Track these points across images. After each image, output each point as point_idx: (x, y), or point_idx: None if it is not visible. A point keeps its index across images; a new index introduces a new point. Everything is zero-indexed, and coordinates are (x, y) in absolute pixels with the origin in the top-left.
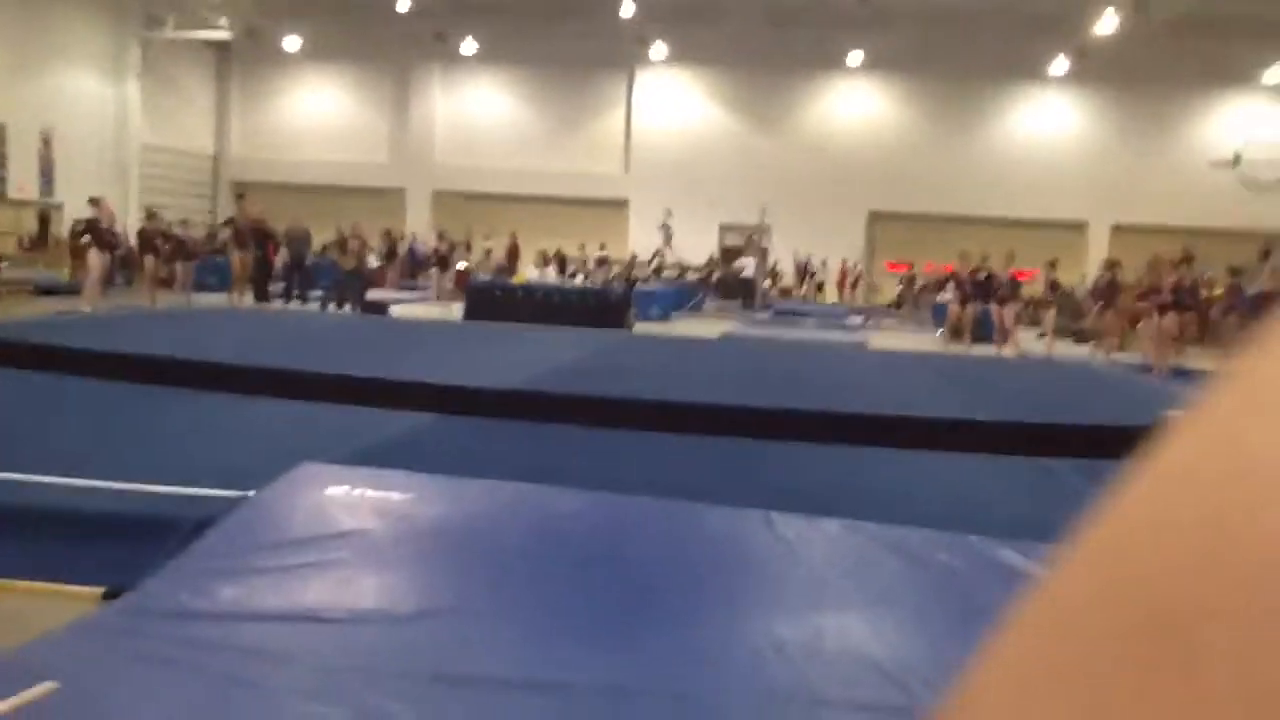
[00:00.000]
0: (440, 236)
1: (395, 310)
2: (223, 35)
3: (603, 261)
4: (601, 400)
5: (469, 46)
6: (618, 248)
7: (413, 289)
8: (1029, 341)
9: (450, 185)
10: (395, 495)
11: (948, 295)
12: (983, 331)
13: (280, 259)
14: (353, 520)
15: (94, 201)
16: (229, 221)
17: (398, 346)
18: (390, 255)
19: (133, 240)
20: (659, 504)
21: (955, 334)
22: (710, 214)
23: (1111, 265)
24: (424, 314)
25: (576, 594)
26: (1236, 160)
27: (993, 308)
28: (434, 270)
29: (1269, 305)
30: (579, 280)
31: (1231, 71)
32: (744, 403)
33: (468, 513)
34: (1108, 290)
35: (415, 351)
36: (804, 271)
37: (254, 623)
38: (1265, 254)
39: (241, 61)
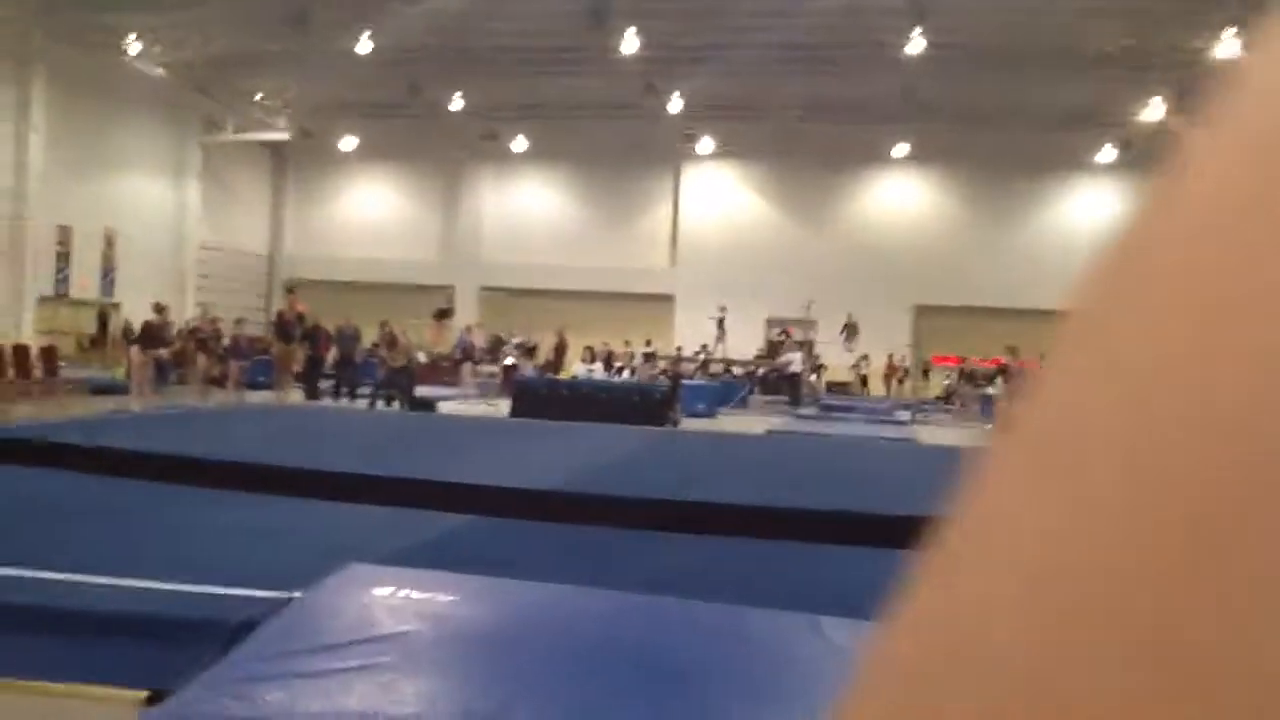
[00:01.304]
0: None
1: (443, 407)
2: (279, 136)
3: (649, 357)
4: (643, 501)
5: (519, 144)
6: (663, 342)
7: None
8: None
9: (498, 281)
10: (440, 597)
11: (996, 389)
12: None
13: (331, 356)
14: (397, 623)
15: (159, 309)
16: (278, 316)
17: (444, 445)
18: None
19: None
20: (703, 607)
21: None
22: (756, 308)
23: None
24: (471, 411)
25: (618, 699)
26: None
27: None
28: (465, 366)
29: None
30: (625, 375)
31: None
32: (789, 504)
33: (510, 615)
34: None
35: (460, 450)
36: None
37: None
38: None
39: (296, 162)
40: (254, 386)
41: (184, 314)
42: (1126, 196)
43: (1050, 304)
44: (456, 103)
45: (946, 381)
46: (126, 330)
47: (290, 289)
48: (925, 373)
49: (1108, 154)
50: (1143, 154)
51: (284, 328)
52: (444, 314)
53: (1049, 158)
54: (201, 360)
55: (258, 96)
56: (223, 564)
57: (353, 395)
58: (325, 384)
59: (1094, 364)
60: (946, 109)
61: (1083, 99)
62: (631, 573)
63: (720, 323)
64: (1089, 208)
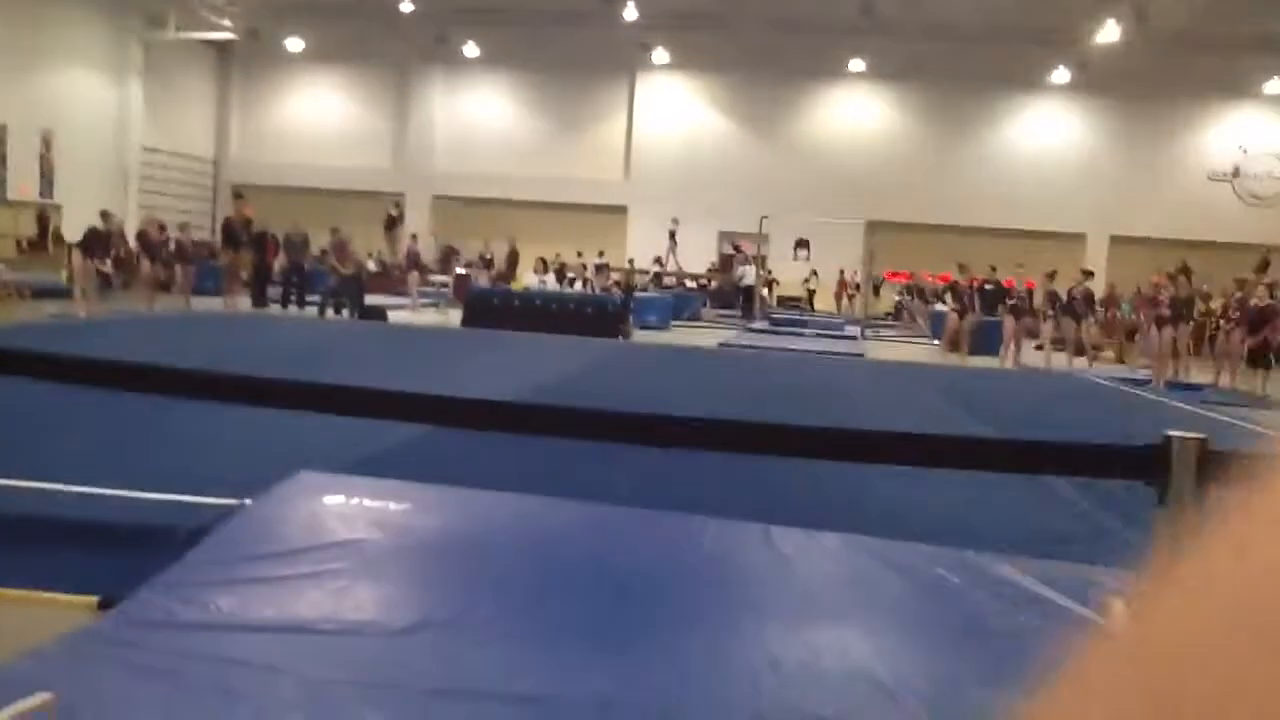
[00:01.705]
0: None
1: (394, 316)
2: (225, 36)
3: (601, 269)
4: (596, 414)
5: (471, 50)
6: (617, 255)
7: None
8: (1028, 354)
9: (450, 190)
10: (392, 505)
11: (945, 306)
12: (983, 343)
13: (279, 263)
14: (349, 530)
15: (105, 216)
16: (225, 223)
17: (395, 354)
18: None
19: (131, 244)
20: (655, 515)
21: (953, 345)
22: (710, 221)
23: (1086, 275)
24: (423, 320)
25: (570, 606)
26: (1235, 173)
27: (1005, 320)
28: (412, 275)
29: (1270, 319)
30: (578, 287)
31: (1231, 84)
32: (740, 417)
33: (463, 524)
34: (1085, 301)
35: (412, 359)
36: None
37: (247, 634)
38: (1263, 267)
39: (243, 63)
40: (200, 293)
41: (126, 217)
42: (1078, 118)
43: (1000, 222)
44: (406, 4)
45: (897, 298)
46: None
47: (238, 194)
48: (876, 289)
49: (1061, 75)
50: (1096, 76)
51: (232, 234)
52: (393, 222)
53: (1004, 77)
54: (146, 266)
55: None
56: (173, 471)
57: (301, 303)
58: (274, 291)
59: None
60: (903, 25)
61: (1040, 18)
62: (585, 484)
63: (672, 235)
64: (1042, 128)
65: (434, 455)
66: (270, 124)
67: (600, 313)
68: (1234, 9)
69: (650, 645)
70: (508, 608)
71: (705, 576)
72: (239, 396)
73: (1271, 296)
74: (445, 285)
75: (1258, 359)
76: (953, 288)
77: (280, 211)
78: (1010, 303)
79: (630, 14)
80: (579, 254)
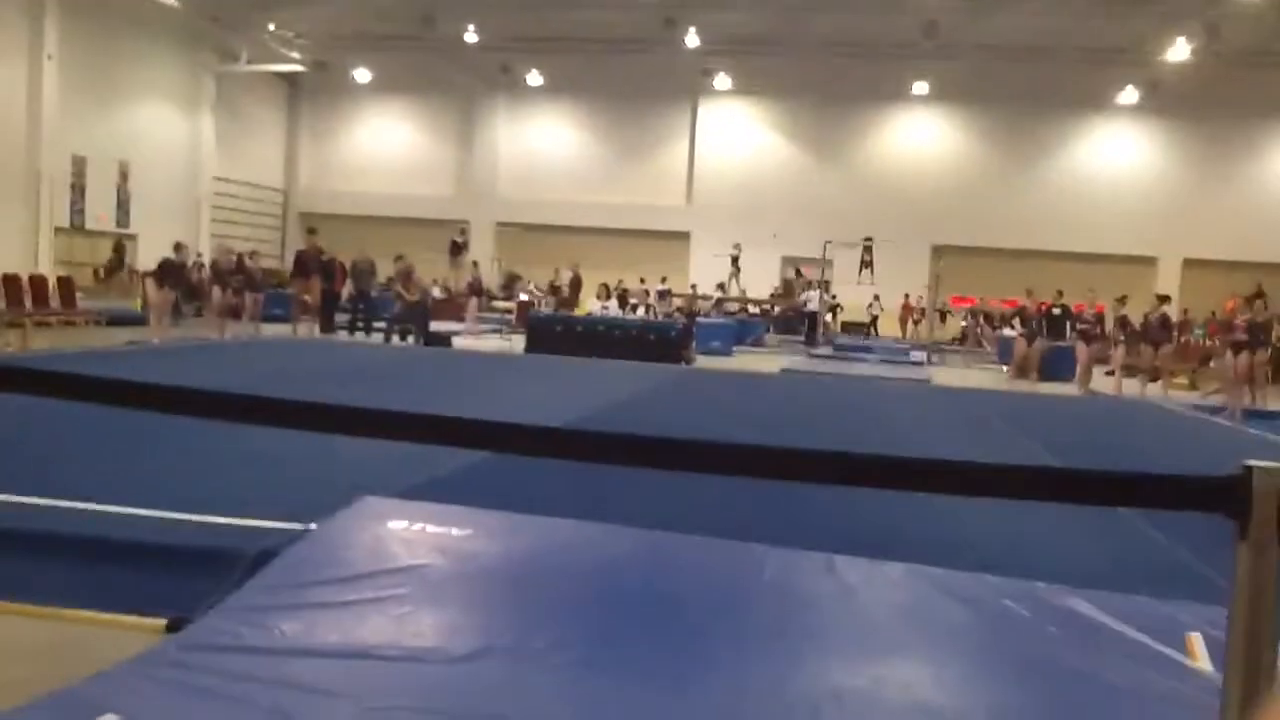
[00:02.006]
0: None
1: (458, 342)
2: (293, 68)
3: (664, 294)
4: (654, 441)
5: (534, 79)
6: (679, 280)
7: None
8: (1098, 380)
9: (513, 217)
10: (454, 531)
11: (1013, 331)
12: (1052, 368)
13: (346, 290)
14: (411, 555)
15: (178, 248)
16: (298, 255)
17: (459, 380)
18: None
19: (203, 272)
20: (716, 543)
21: (1021, 371)
22: (773, 246)
23: (1162, 300)
24: (486, 346)
25: (631, 634)
26: None
27: (1078, 345)
28: (471, 302)
29: None
30: (640, 313)
31: None
32: (803, 443)
33: (524, 550)
34: (1161, 327)
35: (476, 385)
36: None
37: (310, 659)
38: None
39: (311, 94)
40: (270, 320)
41: (198, 245)
42: (1148, 138)
43: (1068, 246)
44: (471, 35)
45: (963, 323)
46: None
47: (311, 230)
48: (942, 314)
49: (1130, 95)
50: (1166, 96)
51: (304, 264)
52: (458, 249)
53: (1071, 97)
54: (217, 294)
55: (271, 26)
56: (241, 496)
57: (368, 329)
58: (343, 318)
59: None
60: (966, 45)
61: (1107, 37)
62: (647, 510)
63: (734, 260)
64: (1110, 149)
65: (495, 481)
66: (338, 154)
67: (662, 338)
68: None
69: (712, 674)
70: (568, 636)
71: (767, 605)
72: (303, 422)
73: None
74: (509, 312)
75: None
76: (1020, 312)
77: (347, 239)
78: (1080, 328)
79: (692, 40)
80: (641, 280)
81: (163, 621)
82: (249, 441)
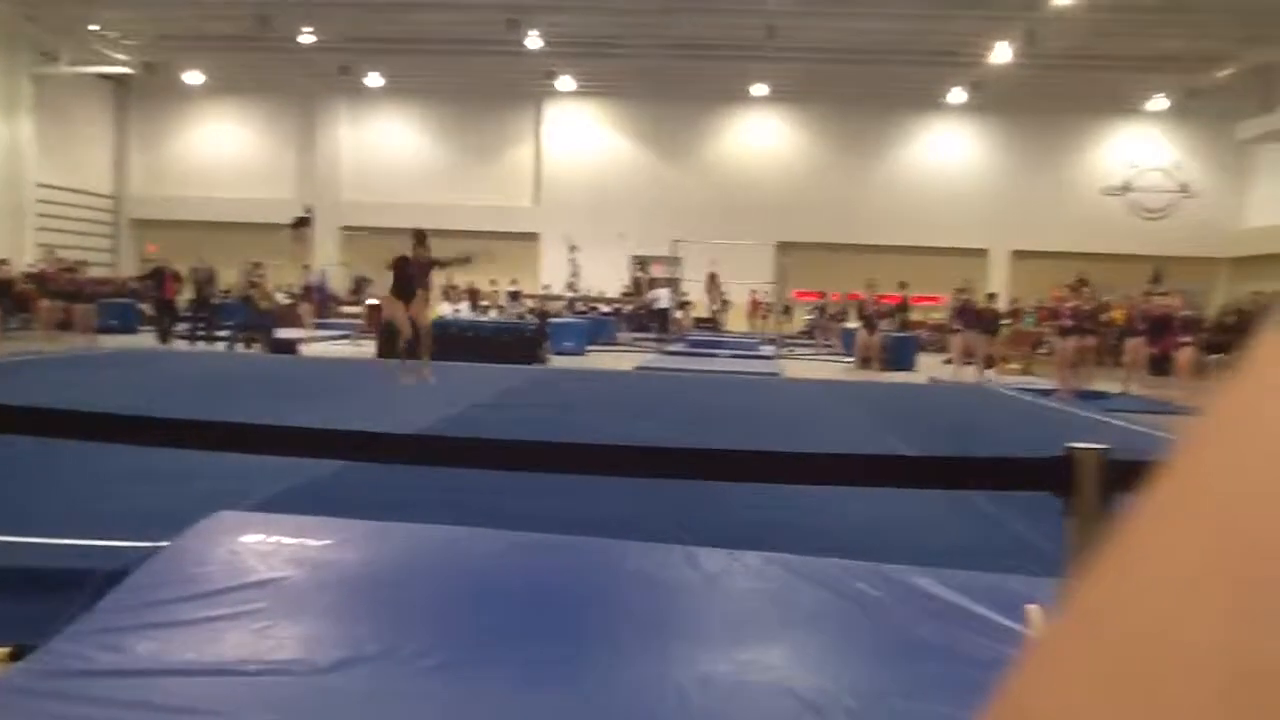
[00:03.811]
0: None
1: (306, 350)
2: (120, 69)
3: (515, 295)
4: (516, 444)
5: (374, 80)
6: (530, 281)
7: (324, 327)
8: (936, 367)
9: (358, 221)
10: (313, 541)
11: (854, 323)
12: (895, 358)
13: (186, 298)
14: (269, 568)
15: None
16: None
17: (310, 389)
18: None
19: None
20: (580, 541)
21: (865, 361)
22: (622, 245)
23: (963, 290)
24: (337, 353)
25: (500, 635)
26: (1126, 187)
27: (859, 333)
28: (304, 307)
29: (1165, 327)
30: (492, 315)
31: (1119, 102)
32: (661, 438)
33: (386, 557)
34: (963, 314)
35: (328, 393)
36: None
37: (168, 678)
38: (1157, 278)
39: (141, 97)
40: (106, 330)
41: (23, 255)
42: (977, 136)
43: (907, 240)
44: (308, 36)
45: (808, 316)
46: None
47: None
48: (786, 309)
49: (958, 95)
50: (992, 96)
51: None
52: (302, 223)
53: (905, 97)
54: (45, 304)
55: (94, 27)
56: (86, 515)
57: (210, 338)
58: (183, 326)
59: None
60: (805, 49)
61: (936, 40)
62: (511, 512)
63: (573, 260)
64: (943, 147)
65: (355, 489)
66: (172, 159)
67: (516, 339)
68: (1117, 31)
69: (580, 670)
70: (436, 640)
71: (632, 599)
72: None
73: (1167, 307)
74: (357, 317)
75: (1158, 367)
76: (861, 305)
77: (186, 246)
78: (864, 315)
79: (534, 42)
80: (492, 282)
81: (5, 650)
82: (93, 459)
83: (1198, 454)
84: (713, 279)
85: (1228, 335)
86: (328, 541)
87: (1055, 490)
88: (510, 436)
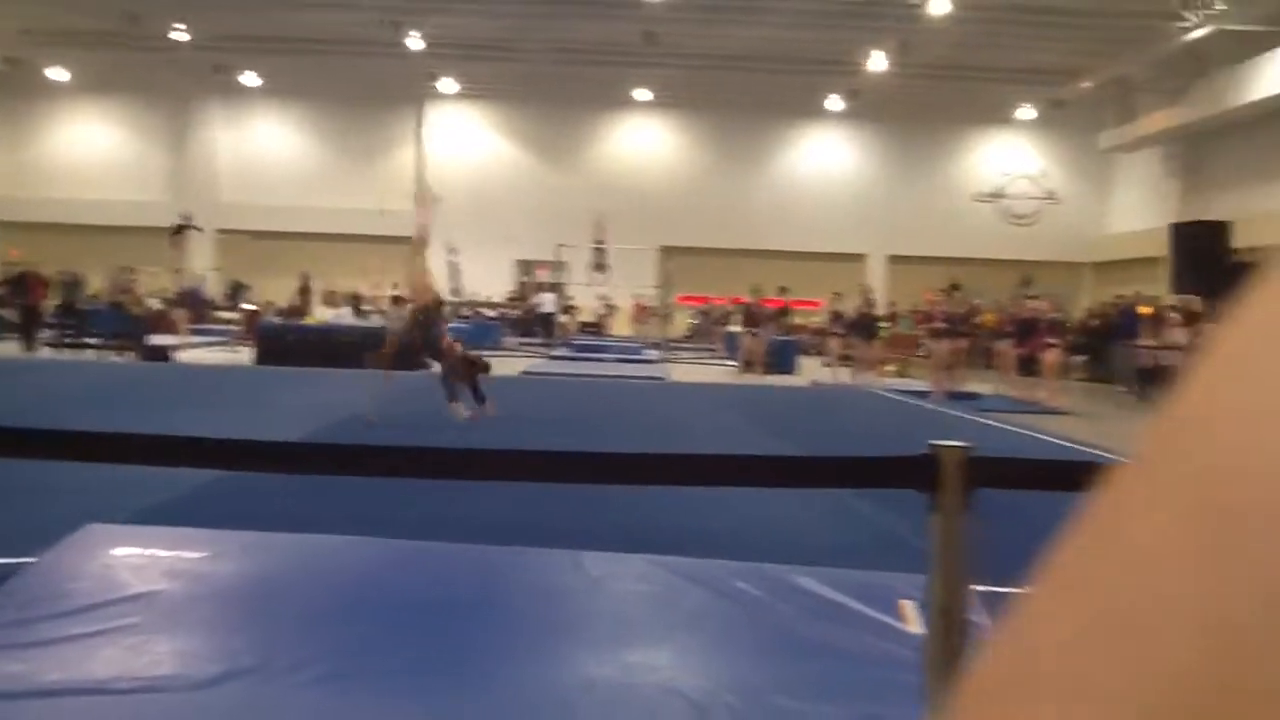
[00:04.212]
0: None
1: (181, 356)
2: None
3: (399, 300)
4: (397, 450)
5: (252, 80)
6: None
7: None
8: (817, 370)
9: (236, 224)
10: (189, 554)
11: (738, 328)
12: (779, 361)
13: (51, 304)
14: (142, 582)
15: None
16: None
17: (186, 397)
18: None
19: None
20: (464, 548)
21: (749, 365)
22: (506, 249)
23: (836, 296)
24: (213, 359)
25: (384, 644)
26: (997, 194)
27: (744, 338)
28: (179, 314)
29: (1033, 330)
30: (375, 320)
31: (989, 111)
32: (546, 443)
33: (268, 568)
34: (870, 320)
35: (205, 402)
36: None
37: (38, 699)
38: (1026, 282)
39: (2, 94)
40: None
41: None
42: (855, 144)
43: (788, 245)
44: (181, 33)
45: (692, 321)
46: None
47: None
48: (666, 314)
49: (836, 103)
50: (868, 104)
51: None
52: (181, 229)
53: (785, 104)
54: None
55: None
56: None
57: (78, 345)
58: (49, 334)
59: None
60: (687, 55)
61: (815, 49)
62: (395, 520)
63: (453, 264)
64: (822, 154)
65: (233, 500)
66: (37, 158)
67: (401, 345)
68: (986, 44)
69: (465, 677)
70: (317, 651)
71: (518, 605)
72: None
73: (1035, 310)
74: (234, 322)
75: (1026, 368)
76: (746, 309)
77: (55, 250)
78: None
79: (416, 44)
80: (374, 286)
81: None
82: None
83: (1197, 390)
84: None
85: (1092, 338)
86: (204, 554)
87: (920, 487)
88: (394, 443)
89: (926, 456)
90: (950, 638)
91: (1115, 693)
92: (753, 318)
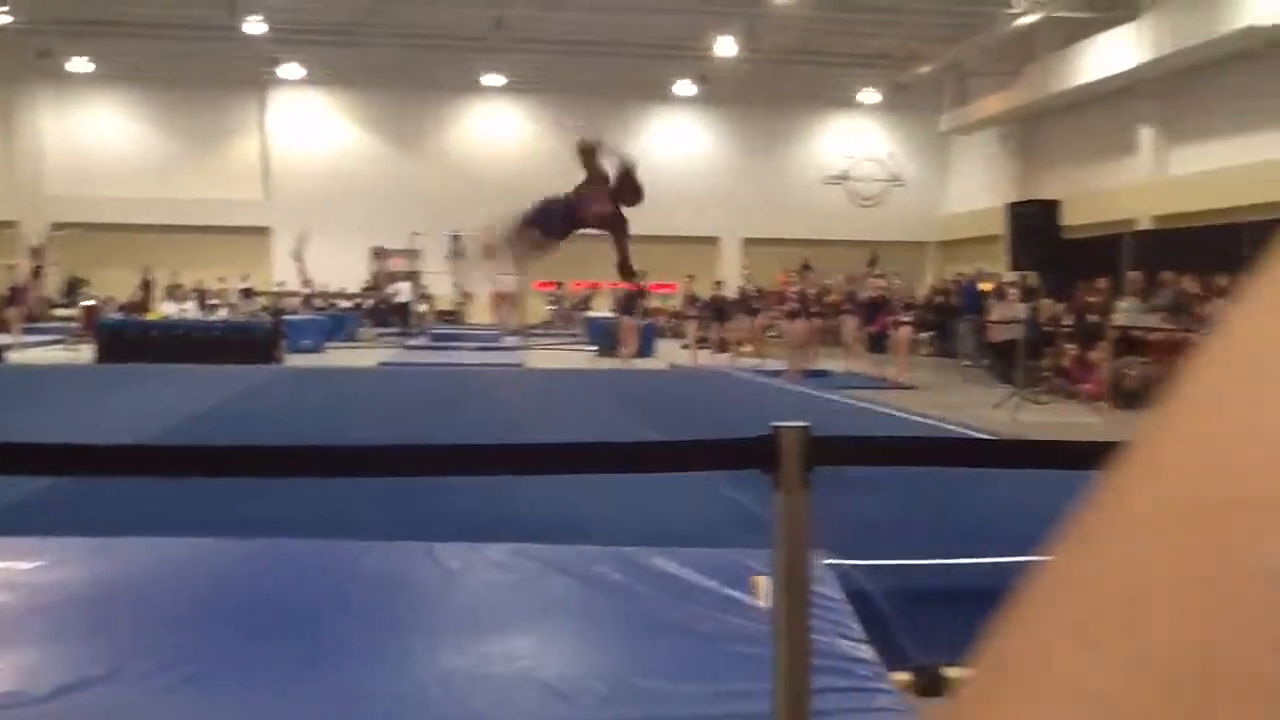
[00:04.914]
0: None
1: (12, 356)
2: None
3: (247, 293)
4: (248, 450)
5: (82, 65)
6: (262, 277)
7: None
8: (674, 353)
9: (69, 216)
10: (24, 564)
11: (595, 312)
12: (646, 344)
13: None
14: None
15: None
16: None
17: (19, 399)
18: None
19: None
20: (317, 545)
21: (611, 348)
22: (360, 238)
23: (690, 279)
24: (48, 359)
25: (238, 645)
26: (845, 176)
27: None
28: (10, 312)
29: (881, 308)
30: (222, 314)
31: (836, 95)
32: (404, 437)
33: (111, 574)
34: (724, 302)
35: (41, 403)
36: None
37: None
38: (872, 261)
39: None
40: None
41: None
42: (706, 128)
43: (645, 229)
44: (1, 16)
45: (549, 306)
46: None
47: None
48: (517, 300)
49: (688, 87)
50: (719, 89)
51: None
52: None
53: (637, 88)
54: None
55: None
56: None
57: None
58: None
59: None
60: (536, 38)
61: (665, 34)
62: (247, 519)
63: (299, 254)
64: (675, 138)
65: (73, 506)
66: None
67: (249, 338)
68: (830, 29)
69: (320, 674)
70: (169, 656)
71: (371, 600)
72: None
73: (883, 289)
74: (73, 320)
75: (876, 345)
76: (619, 295)
77: None
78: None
79: (256, 27)
80: (221, 279)
81: None
82: None
83: (1205, 371)
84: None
85: (937, 314)
86: (41, 563)
87: (762, 467)
88: (245, 441)
89: (767, 438)
90: (794, 610)
91: (1111, 692)
92: (626, 302)
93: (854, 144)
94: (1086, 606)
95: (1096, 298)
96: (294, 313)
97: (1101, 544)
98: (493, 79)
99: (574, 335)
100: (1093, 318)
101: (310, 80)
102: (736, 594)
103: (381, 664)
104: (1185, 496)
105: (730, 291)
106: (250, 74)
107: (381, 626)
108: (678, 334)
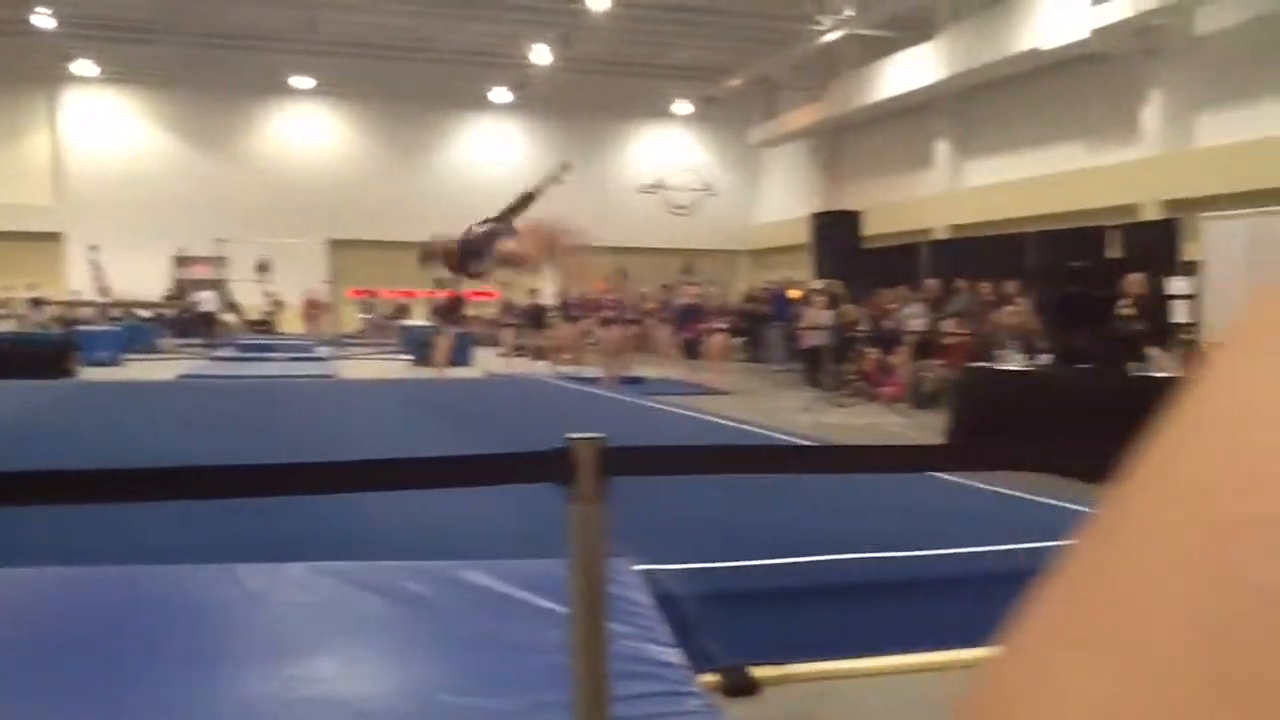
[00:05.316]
0: None
1: None
2: None
3: (36, 302)
4: (32, 475)
5: None
6: (55, 286)
7: None
8: (492, 361)
9: None
10: None
11: (413, 321)
12: (461, 355)
13: None
14: None
15: None
16: None
17: None
18: None
19: None
20: (106, 571)
21: (427, 359)
22: (161, 245)
23: (532, 293)
24: None
25: (28, 680)
26: (658, 185)
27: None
28: None
29: (695, 315)
30: (9, 325)
31: (650, 105)
32: (204, 458)
33: None
34: (541, 310)
35: None
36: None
37: None
38: (686, 269)
39: None
40: None
41: None
42: (523, 135)
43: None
44: None
45: (362, 315)
46: None
47: None
48: (328, 309)
49: (503, 95)
50: (534, 96)
51: None
52: None
53: (452, 95)
54: None
55: None
56: None
57: None
58: None
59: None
60: (348, 43)
61: (480, 40)
62: (23, 548)
63: (95, 261)
64: (490, 145)
65: None
66: None
67: (38, 351)
68: (641, 41)
69: (117, 707)
70: None
71: (169, 626)
72: None
73: (697, 296)
74: None
75: (690, 351)
76: (435, 304)
77: None
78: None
79: (45, 21)
80: (6, 288)
81: None
82: None
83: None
84: (264, 267)
85: (748, 321)
86: None
87: (557, 480)
88: (31, 463)
89: (561, 450)
90: (589, 621)
91: (1114, 704)
92: (446, 311)
93: (668, 154)
94: (1090, 619)
95: (893, 304)
96: (89, 323)
97: (1105, 559)
98: (302, 81)
99: (389, 345)
100: (887, 323)
101: (106, 78)
102: (548, 604)
103: (181, 691)
104: (1187, 513)
105: (547, 299)
106: (40, 70)
107: (180, 653)
108: (495, 342)
